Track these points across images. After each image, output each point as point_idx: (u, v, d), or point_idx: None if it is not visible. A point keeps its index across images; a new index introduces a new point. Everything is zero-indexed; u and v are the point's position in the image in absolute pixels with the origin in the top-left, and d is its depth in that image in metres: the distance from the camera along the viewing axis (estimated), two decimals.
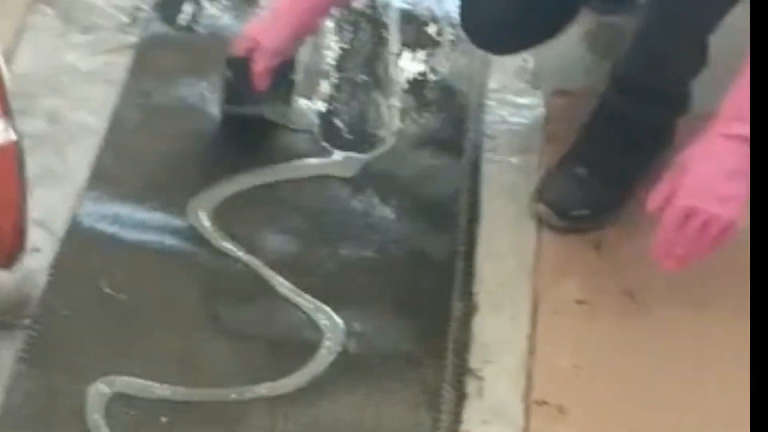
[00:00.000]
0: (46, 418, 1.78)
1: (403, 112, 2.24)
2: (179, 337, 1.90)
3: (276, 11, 2.08)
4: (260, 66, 2.06)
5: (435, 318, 1.94)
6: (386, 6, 2.42)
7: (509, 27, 2.03)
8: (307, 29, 2.09)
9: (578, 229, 2.03)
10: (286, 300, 1.94)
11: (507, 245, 2.04)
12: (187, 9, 2.39)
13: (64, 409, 1.79)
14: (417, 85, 2.29)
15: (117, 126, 2.18)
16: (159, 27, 2.37)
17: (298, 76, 2.21)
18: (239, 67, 2.08)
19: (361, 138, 2.19)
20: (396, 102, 2.25)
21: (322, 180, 2.13)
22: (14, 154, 1.70)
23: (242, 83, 2.09)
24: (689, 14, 1.86)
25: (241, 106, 2.15)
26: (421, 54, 2.35)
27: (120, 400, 1.80)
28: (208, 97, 2.23)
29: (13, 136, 1.69)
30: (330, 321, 1.91)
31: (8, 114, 1.70)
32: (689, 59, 1.98)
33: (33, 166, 2.02)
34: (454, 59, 2.33)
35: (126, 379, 1.82)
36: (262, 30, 2.07)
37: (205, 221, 2.04)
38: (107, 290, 1.93)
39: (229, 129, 2.18)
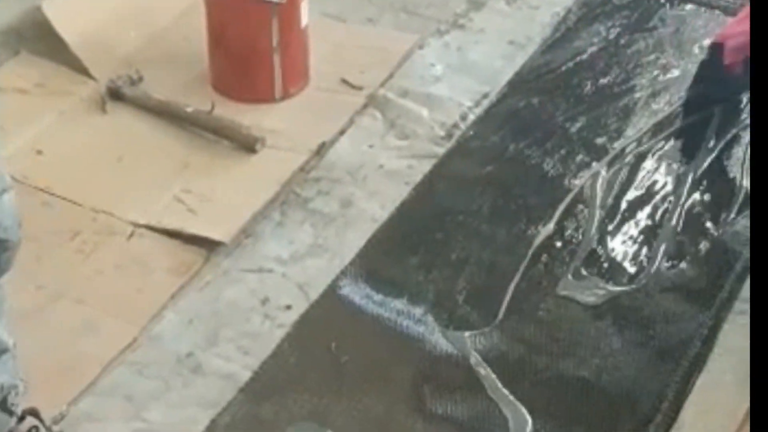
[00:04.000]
0: None
1: (668, 257, 2.25)
2: (382, 405, 2.00)
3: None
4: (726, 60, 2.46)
5: None
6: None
7: None
8: None
9: None
10: (489, 396, 2.01)
11: (721, 402, 1.99)
12: None
13: None
14: (692, 235, 2.30)
15: (396, 222, 2.35)
16: (472, 139, 2.52)
17: None
18: (714, 52, 2.51)
19: (618, 271, 2.23)
20: (663, 245, 2.26)
21: (568, 301, 2.18)
22: None
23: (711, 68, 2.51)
24: None
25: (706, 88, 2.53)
26: (708, 209, 2.36)
27: None
28: (491, 210, 2.37)
29: None
30: (520, 423, 1.96)
31: None
32: None
33: (313, 238, 2.27)
34: (738, 221, 2.33)
35: (323, 428, 1.96)
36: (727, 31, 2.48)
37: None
38: (333, 350, 2.09)
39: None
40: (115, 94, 2.57)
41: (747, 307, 2.14)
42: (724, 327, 2.12)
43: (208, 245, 2.27)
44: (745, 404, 1.96)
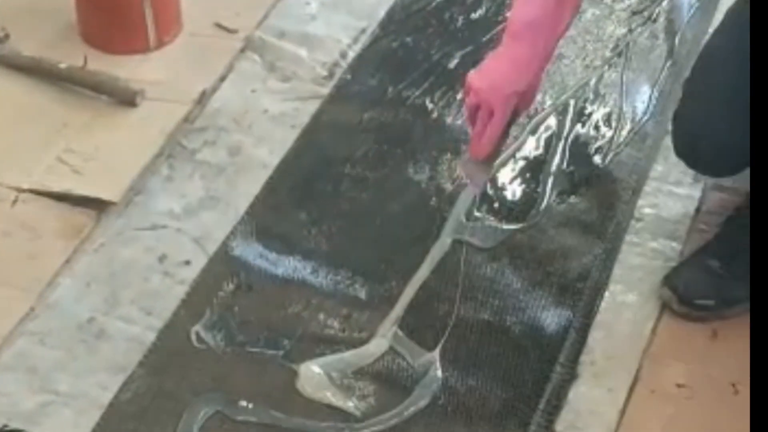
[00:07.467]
0: (145, 419, 1.92)
1: (558, 192, 2.29)
2: (287, 369, 2.00)
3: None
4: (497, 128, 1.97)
5: (532, 382, 1.97)
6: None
7: (725, 152, 2.01)
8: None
9: (699, 318, 2.04)
10: (394, 349, 2.03)
11: (624, 323, 2.06)
12: None
13: (164, 414, 1.93)
14: (579, 168, 2.34)
15: (284, 169, 2.33)
16: (350, 84, 2.51)
17: None
18: None
19: (509, 210, 2.26)
20: (551, 180, 2.30)
21: (462, 244, 2.19)
22: None
23: None
24: None
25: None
26: (592, 140, 2.40)
27: (217, 417, 1.93)
28: (376, 156, 2.37)
29: None
30: (429, 371, 1.98)
31: None
32: None
33: (204, 190, 2.25)
34: (623, 149, 2.37)
35: (229, 398, 1.95)
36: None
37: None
38: (236, 314, 2.07)
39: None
40: None
41: (641, 225, 2.22)
42: (621, 250, 2.17)
43: (97, 206, 2.22)
44: (651, 319, 2.05)
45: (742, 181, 2.20)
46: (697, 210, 2.22)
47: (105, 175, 2.27)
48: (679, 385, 1.93)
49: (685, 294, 2.03)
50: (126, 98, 2.41)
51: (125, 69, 2.47)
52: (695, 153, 2.07)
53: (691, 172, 2.27)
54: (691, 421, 1.88)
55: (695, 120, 2.02)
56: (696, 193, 2.25)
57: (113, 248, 2.17)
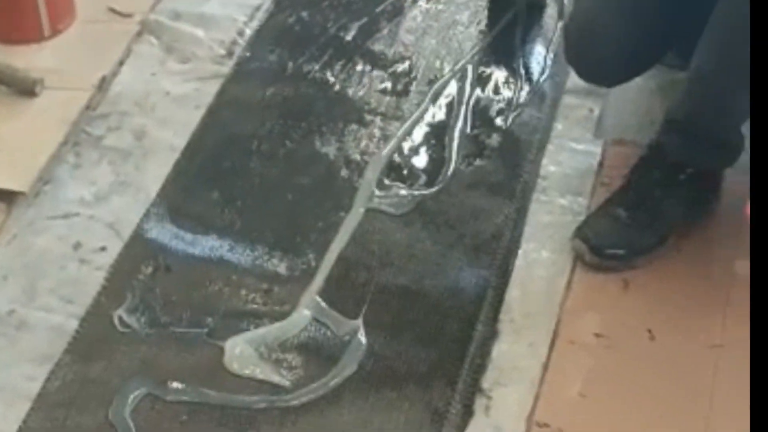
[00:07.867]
0: (75, 406, 1.92)
1: (464, 156, 2.33)
2: (213, 349, 2.00)
3: None
4: None
5: (455, 343, 2.01)
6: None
7: (613, 59, 2.10)
8: None
9: (610, 268, 2.09)
10: (317, 320, 2.05)
11: (539, 279, 2.10)
12: None
13: (95, 400, 1.92)
14: (483, 131, 2.39)
15: (192, 149, 2.34)
16: (250, 61, 2.52)
17: None
18: None
19: (418, 175, 2.30)
20: (456, 146, 2.34)
21: (375, 212, 2.23)
22: None
23: None
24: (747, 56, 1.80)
25: None
26: (493, 103, 2.45)
27: (148, 399, 1.93)
28: (282, 131, 2.39)
29: None
30: (353, 339, 2.01)
31: None
32: (745, 103, 1.85)
33: (114, 175, 2.25)
34: (523, 110, 2.43)
35: (158, 380, 1.95)
36: None
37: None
38: (158, 296, 2.08)
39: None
40: None
41: (547, 183, 2.27)
42: (531, 209, 2.22)
43: (6, 197, 2.21)
44: (565, 273, 2.10)
45: (640, 135, 2.27)
46: (600, 164, 2.28)
47: (11, 166, 2.26)
48: (597, 335, 1.99)
49: (596, 244, 2.08)
50: (25, 88, 2.39)
51: (21, 59, 2.45)
52: (584, 54, 2.14)
53: (590, 128, 2.34)
54: (612, 368, 1.94)
55: (584, 22, 2.11)
56: (597, 148, 2.31)
57: (26, 239, 2.16)
